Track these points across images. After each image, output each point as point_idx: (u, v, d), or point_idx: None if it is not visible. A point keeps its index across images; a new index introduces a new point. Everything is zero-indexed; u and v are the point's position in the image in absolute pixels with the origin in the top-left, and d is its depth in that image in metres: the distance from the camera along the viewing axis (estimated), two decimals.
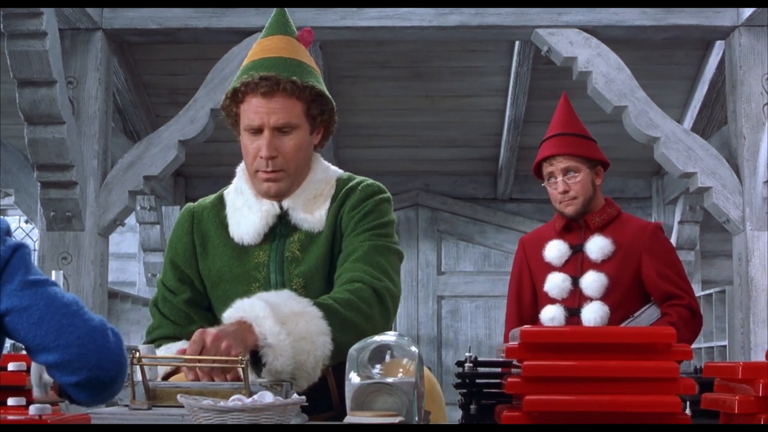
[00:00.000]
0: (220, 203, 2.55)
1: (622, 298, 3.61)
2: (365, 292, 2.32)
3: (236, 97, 2.42)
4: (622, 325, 3.52)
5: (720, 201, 5.43)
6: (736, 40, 5.47)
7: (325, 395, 2.32)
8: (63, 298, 1.69)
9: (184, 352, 2.13)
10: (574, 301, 3.62)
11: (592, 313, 3.57)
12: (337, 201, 2.47)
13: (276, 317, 2.17)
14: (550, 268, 3.70)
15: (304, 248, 2.43)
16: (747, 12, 5.34)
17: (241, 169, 2.54)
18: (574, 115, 3.79)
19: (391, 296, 2.37)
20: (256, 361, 2.17)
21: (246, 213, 2.46)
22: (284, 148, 2.40)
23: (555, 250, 3.70)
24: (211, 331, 2.11)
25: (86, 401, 1.71)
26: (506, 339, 3.78)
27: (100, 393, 1.70)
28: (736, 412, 1.87)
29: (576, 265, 3.67)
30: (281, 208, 2.45)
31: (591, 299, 3.60)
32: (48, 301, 1.67)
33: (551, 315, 3.63)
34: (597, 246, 3.65)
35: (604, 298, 3.60)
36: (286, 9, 2.57)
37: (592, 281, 3.61)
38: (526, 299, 3.77)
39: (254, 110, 2.39)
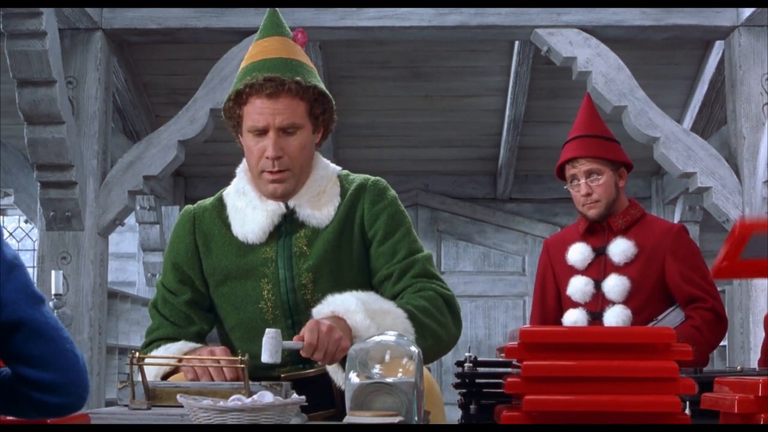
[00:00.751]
0: (221, 204, 2.55)
1: (645, 301, 3.56)
2: (438, 300, 2.39)
3: (240, 98, 2.42)
4: None
5: (720, 201, 5.43)
6: (736, 40, 5.47)
7: (326, 392, 2.33)
8: (60, 322, 1.74)
9: (301, 338, 2.16)
10: (597, 305, 3.58)
11: (615, 317, 3.51)
12: (348, 198, 2.48)
13: (366, 312, 2.24)
14: (573, 271, 3.65)
15: (311, 243, 2.44)
16: (747, 12, 5.34)
17: (242, 170, 2.54)
18: (597, 116, 3.74)
19: (457, 304, 2.45)
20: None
21: (250, 213, 2.47)
22: (289, 148, 2.41)
23: (578, 253, 3.65)
24: (325, 321, 2.18)
25: (46, 418, 1.75)
26: None
27: (64, 415, 1.75)
28: (735, 411, 1.87)
29: (599, 268, 3.62)
30: (287, 207, 2.46)
31: (613, 303, 3.55)
32: (55, 322, 1.72)
33: (573, 319, 3.58)
34: (620, 249, 3.59)
35: (627, 301, 3.55)
36: (278, 9, 2.57)
37: (614, 285, 3.56)
38: (550, 302, 3.73)
39: (259, 111, 2.39)
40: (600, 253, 3.63)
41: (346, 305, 2.26)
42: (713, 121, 6.90)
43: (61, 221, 5.40)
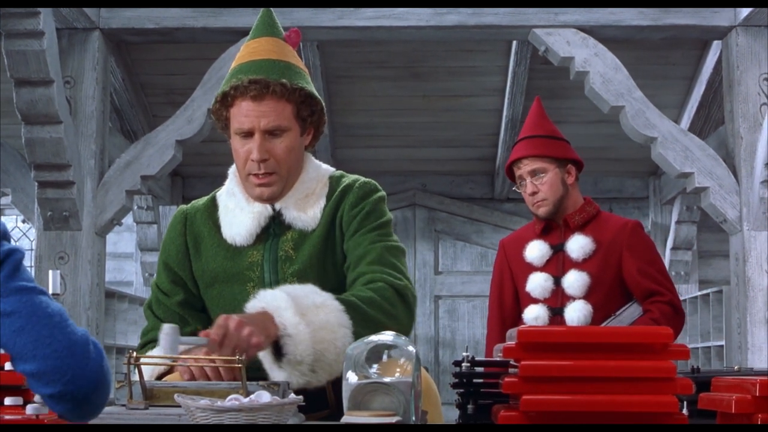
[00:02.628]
0: (213, 205, 2.54)
1: (605, 296, 3.62)
2: (387, 291, 2.34)
3: (226, 100, 2.42)
4: (604, 323, 3.54)
5: (717, 201, 5.43)
6: (734, 40, 5.47)
7: (320, 393, 2.32)
8: (47, 309, 1.67)
9: (208, 334, 2.13)
10: (557, 301, 3.64)
11: (575, 312, 3.58)
12: (333, 199, 2.47)
13: (296, 308, 2.20)
14: (531, 268, 3.71)
15: (298, 247, 2.43)
16: (744, 12, 5.34)
17: (232, 172, 2.54)
18: (545, 117, 3.80)
19: (411, 295, 2.40)
20: (278, 351, 2.20)
21: (238, 214, 2.46)
22: (275, 151, 2.40)
23: (536, 250, 3.72)
24: (235, 317, 2.14)
25: (64, 415, 1.70)
26: (488, 341, 3.80)
27: (75, 408, 1.68)
28: (733, 411, 1.87)
29: (557, 264, 3.68)
30: (273, 209, 2.45)
31: (574, 298, 3.61)
32: (31, 310, 1.65)
33: (535, 314, 3.64)
34: (578, 245, 3.66)
35: (587, 296, 3.61)
36: (276, 9, 2.56)
37: (574, 280, 3.62)
38: (507, 301, 3.79)
39: (244, 114, 2.38)
40: (558, 250, 3.70)
41: (276, 301, 2.22)
42: (711, 121, 6.90)
43: (58, 221, 5.40)
